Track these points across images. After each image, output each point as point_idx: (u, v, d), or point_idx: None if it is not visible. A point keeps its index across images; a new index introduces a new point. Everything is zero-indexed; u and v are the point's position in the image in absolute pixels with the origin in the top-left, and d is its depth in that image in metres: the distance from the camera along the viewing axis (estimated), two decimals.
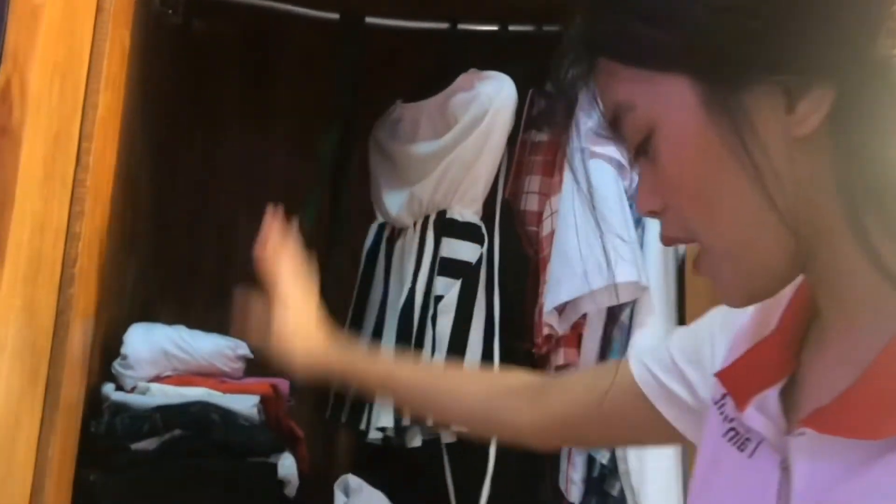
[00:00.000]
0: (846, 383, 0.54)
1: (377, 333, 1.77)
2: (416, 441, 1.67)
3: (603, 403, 0.80)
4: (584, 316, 1.48)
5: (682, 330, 0.78)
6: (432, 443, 1.69)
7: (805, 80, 0.52)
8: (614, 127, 0.60)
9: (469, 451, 1.67)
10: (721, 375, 0.65)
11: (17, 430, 1.05)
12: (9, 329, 0.98)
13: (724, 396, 0.65)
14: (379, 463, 1.79)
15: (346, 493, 1.50)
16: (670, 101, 0.56)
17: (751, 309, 0.67)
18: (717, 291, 0.59)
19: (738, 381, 0.62)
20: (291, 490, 1.49)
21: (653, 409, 0.76)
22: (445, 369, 1.11)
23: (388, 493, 1.57)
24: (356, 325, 1.84)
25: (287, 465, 1.47)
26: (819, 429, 0.53)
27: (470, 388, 0.96)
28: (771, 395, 0.59)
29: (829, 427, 0.52)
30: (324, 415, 1.90)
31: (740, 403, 0.60)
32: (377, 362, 1.05)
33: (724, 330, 0.71)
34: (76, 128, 1.12)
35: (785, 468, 0.56)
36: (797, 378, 0.60)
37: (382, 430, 1.66)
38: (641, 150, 0.58)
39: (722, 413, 0.64)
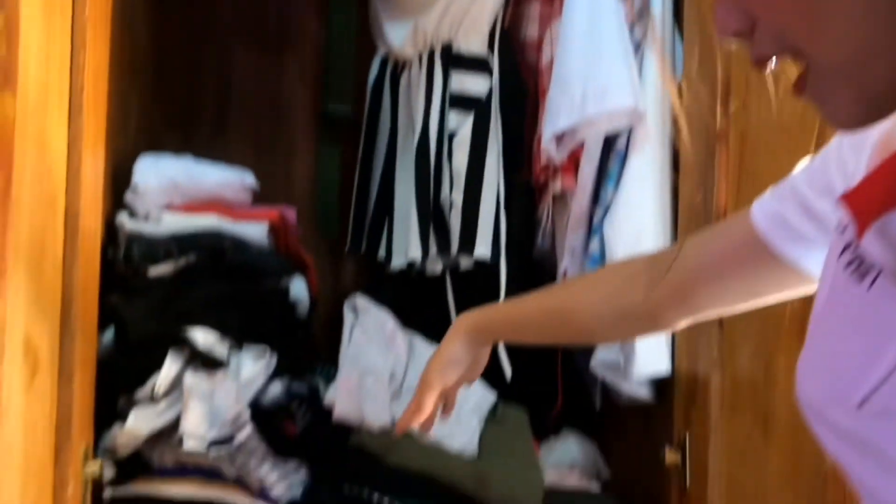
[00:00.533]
0: None
1: (389, 170, 1.81)
2: (435, 268, 1.75)
3: (722, 262, 0.77)
4: (582, 143, 1.51)
5: (810, 161, 0.70)
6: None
7: None
8: None
9: (471, 279, 1.76)
10: (843, 199, 0.56)
11: (42, 257, 1.11)
12: (25, 160, 1.02)
13: (846, 222, 0.59)
14: (385, 289, 1.87)
15: (355, 312, 1.58)
16: None
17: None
18: (824, 114, 0.51)
19: (860, 203, 0.54)
20: (303, 311, 1.58)
21: (777, 255, 0.72)
22: (562, 290, 1.07)
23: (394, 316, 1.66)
24: (367, 161, 1.88)
25: (298, 288, 1.56)
26: None
27: (592, 296, 0.92)
28: (893, 218, 0.51)
29: None
30: (333, 244, 1.98)
31: (860, 228, 0.53)
32: (507, 321, 1.02)
33: (855, 150, 0.64)
34: None
35: None
36: None
37: (411, 261, 1.73)
38: None
39: (843, 241, 0.59)
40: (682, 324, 0.86)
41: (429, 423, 1.08)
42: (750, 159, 1.33)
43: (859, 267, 0.56)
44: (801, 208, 0.70)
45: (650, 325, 0.90)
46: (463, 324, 1.01)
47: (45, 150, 1.10)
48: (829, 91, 0.48)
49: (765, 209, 0.74)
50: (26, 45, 0.98)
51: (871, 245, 0.54)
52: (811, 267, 0.71)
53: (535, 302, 0.99)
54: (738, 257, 0.77)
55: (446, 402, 1.09)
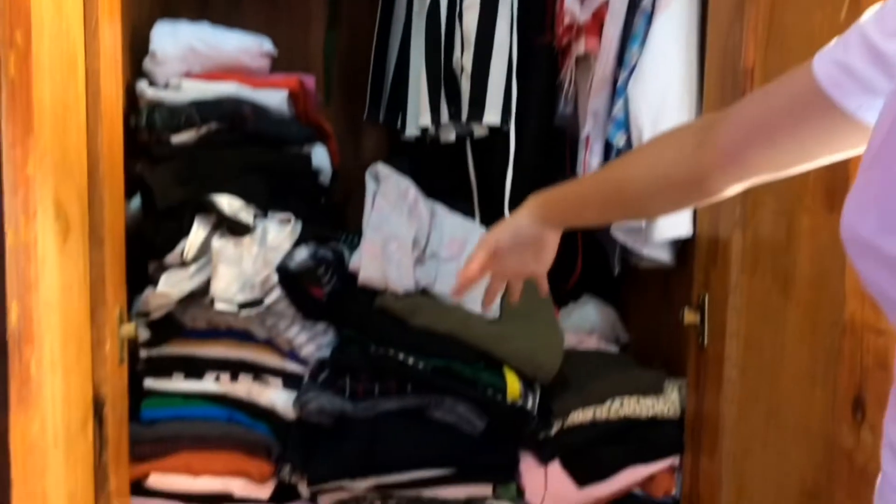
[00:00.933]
0: None
1: (406, 37, 1.77)
2: (449, 136, 1.74)
3: (777, 120, 0.75)
4: (607, 2, 1.47)
5: (881, 5, 0.69)
6: (459, 140, 1.77)
7: None
8: None
9: (491, 147, 1.75)
10: None
11: (66, 118, 1.11)
12: (43, 19, 1.01)
13: None
14: (406, 158, 1.87)
15: (377, 180, 1.59)
16: None
17: None
18: None
19: None
20: (325, 179, 1.59)
21: (840, 107, 0.70)
22: (618, 163, 1.04)
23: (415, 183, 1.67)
24: (384, 28, 1.84)
25: (320, 155, 1.56)
26: None
27: (643, 167, 0.91)
28: None
29: None
30: (353, 114, 1.97)
31: None
32: (572, 198, 1.01)
33: None
34: None
35: None
36: None
37: (423, 127, 1.72)
38: None
39: None
40: (732, 190, 0.84)
41: (490, 297, 1.10)
42: (779, 17, 1.29)
43: None
44: (870, 54, 0.68)
45: (700, 192, 0.87)
46: (531, 200, 1.02)
47: (62, 10, 1.09)
48: None
49: (827, 60, 0.72)
50: None
51: None
52: (872, 119, 0.68)
53: (594, 178, 0.99)
54: (795, 114, 0.75)
55: (511, 289, 1.10)
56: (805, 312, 1.24)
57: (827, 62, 0.72)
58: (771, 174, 0.82)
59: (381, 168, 1.61)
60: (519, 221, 1.02)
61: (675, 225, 1.46)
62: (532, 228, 1.02)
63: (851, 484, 1.14)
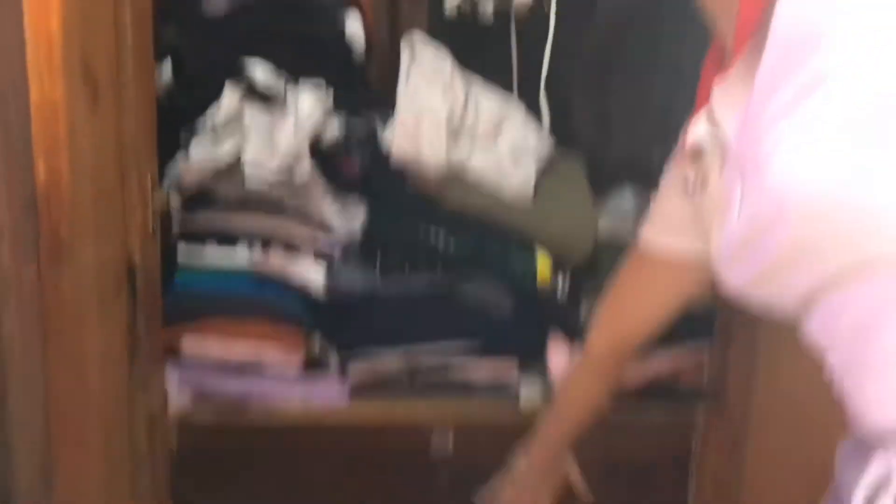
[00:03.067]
0: None
1: None
2: (487, 10, 1.68)
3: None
4: None
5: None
6: (502, 19, 1.70)
7: None
8: None
9: (532, 28, 1.68)
10: None
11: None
12: None
13: None
14: (443, 34, 1.81)
15: (413, 51, 1.54)
16: None
17: None
18: None
19: None
20: (359, 49, 1.54)
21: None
22: (558, 402, 1.26)
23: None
24: None
25: (353, 26, 1.51)
26: None
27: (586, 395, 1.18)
28: None
29: None
30: None
31: None
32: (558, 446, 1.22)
33: None
34: None
35: None
36: None
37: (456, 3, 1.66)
38: None
39: None
40: None
41: None
42: None
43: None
44: None
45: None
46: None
47: None
48: None
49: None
50: None
51: None
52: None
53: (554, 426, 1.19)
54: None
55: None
56: None
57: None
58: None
59: (418, 39, 1.55)
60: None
61: None
62: (556, 480, 1.22)
63: None
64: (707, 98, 0.80)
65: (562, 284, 1.47)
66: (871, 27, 0.58)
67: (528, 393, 1.49)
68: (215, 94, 1.37)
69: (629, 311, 1.05)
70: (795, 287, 0.67)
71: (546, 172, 1.53)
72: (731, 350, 1.45)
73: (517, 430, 1.41)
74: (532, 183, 1.49)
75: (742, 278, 0.72)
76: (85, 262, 1.08)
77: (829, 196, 0.58)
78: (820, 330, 0.70)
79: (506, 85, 1.66)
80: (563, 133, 1.63)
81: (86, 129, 1.07)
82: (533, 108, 1.63)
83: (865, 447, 0.72)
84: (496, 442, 1.41)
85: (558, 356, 1.49)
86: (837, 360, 0.70)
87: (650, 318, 1.04)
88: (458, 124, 1.50)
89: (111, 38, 1.17)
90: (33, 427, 1.04)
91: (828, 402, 1.19)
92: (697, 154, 0.84)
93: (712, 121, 0.80)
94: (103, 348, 1.18)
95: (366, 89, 1.59)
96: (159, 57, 1.35)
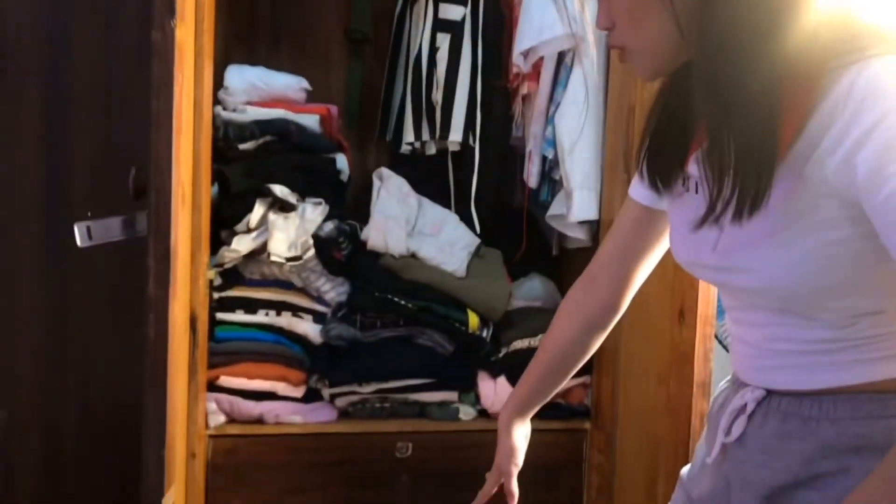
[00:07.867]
0: None
1: (405, 80, 2.42)
2: (431, 150, 2.38)
3: (640, 246, 1.11)
4: (542, 58, 2.13)
5: None
6: (441, 154, 2.40)
7: None
8: None
9: (463, 159, 2.39)
10: None
11: (185, 131, 1.76)
12: (183, 76, 1.66)
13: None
14: (401, 167, 2.51)
15: (381, 178, 2.24)
16: None
17: None
18: (635, 71, 0.91)
19: None
20: (344, 177, 2.24)
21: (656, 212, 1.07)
22: (544, 347, 1.23)
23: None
24: (392, 70, 2.49)
25: (342, 161, 2.21)
26: None
27: (564, 337, 1.18)
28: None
29: None
30: (364, 133, 2.60)
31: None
32: (529, 395, 1.21)
33: None
34: None
35: None
36: None
37: (410, 143, 2.36)
38: None
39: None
40: (629, 298, 1.17)
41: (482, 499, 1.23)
42: None
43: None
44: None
45: (611, 317, 1.17)
46: (504, 418, 1.22)
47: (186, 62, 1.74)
48: (636, 63, 0.90)
49: (636, 184, 1.08)
50: None
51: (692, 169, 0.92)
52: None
53: (536, 368, 1.20)
54: (634, 231, 1.11)
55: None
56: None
57: (639, 191, 1.08)
58: (648, 271, 1.15)
59: (384, 170, 2.27)
60: (510, 442, 1.20)
61: (587, 210, 2.09)
62: (520, 439, 1.21)
63: (679, 365, 1.77)
64: None
65: (487, 334, 2.12)
66: None
67: (466, 412, 2.11)
68: (249, 206, 2.04)
69: (621, 242, 1.13)
70: None
71: (475, 258, 2.21)
72: (602, 378, 2.10)
73: (459, 438, 2.03)
74: (464, 266, 2.17)
75: None
76: (173, 310, 1.71)
77: None
78: None
79: (445, 200, 2.36)
80: (487, 235, 2.31)
81: (180, 223, 1.73)
82: (467, 217, 2.29)
83: (736, 387, 0.99)
84: (444, 447, 2.04)
85: (486, 385, 2.12)
86: None
87: (637, 249, 1.12)
88: (413, 225, 2.19)
89: (189, 169, 1.84)
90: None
91: (661, 409, 1.81)
92: None
93: None
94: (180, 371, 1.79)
95: (349, 204, 2.28)
96: (212, 182, 2.02)
